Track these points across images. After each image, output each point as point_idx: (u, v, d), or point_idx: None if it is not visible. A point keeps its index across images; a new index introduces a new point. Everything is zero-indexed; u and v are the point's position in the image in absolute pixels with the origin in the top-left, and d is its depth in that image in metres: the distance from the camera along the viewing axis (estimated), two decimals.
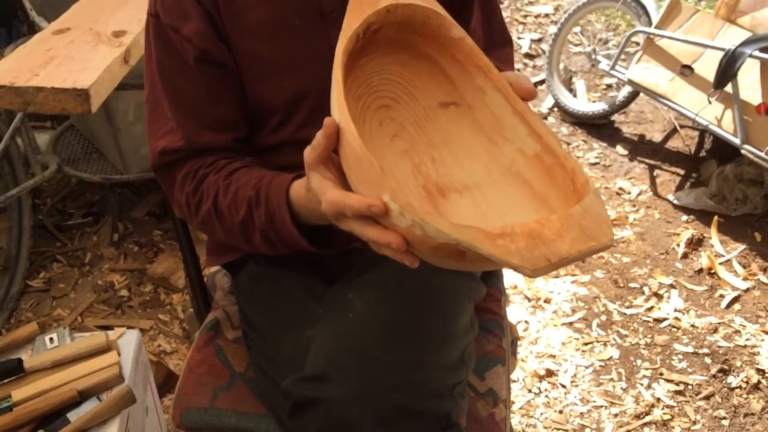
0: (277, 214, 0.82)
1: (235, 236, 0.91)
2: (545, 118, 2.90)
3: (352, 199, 0.62)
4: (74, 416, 1.10)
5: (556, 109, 2.92)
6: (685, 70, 2.33)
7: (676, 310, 1.96)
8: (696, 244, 2.19)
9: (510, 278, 2.02)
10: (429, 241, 0.60)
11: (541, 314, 1.96)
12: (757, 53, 2.04)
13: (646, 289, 2.03)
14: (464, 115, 0.79)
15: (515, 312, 1.96)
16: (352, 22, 0.71)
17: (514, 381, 1.74)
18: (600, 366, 1.80)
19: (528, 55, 3.35)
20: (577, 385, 1.75)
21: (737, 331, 1.88)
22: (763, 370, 1.76)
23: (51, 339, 1.24)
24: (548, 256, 0.58)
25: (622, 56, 2.58)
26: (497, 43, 1.07)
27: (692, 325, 1.91)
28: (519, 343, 1.83)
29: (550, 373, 1.78)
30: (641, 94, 2.59)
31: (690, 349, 1.84)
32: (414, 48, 0.78)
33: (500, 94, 0.76)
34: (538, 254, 0.58)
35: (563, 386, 1.75)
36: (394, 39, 0.77)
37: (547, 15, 3.69)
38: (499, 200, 0.75)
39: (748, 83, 2.12)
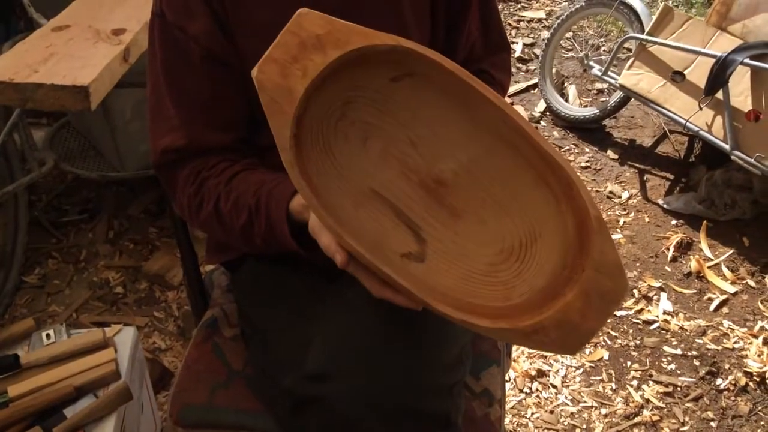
0: (277, 228, 0.82)
1: (236, 239, 0.91)
2: (537, 122, 2.92)
3: (382, 292, 0.70)
4: (71, 412, 1.10)
5: (548, 113, 2.94)
6: (677, 77, 2.35)
7: (665, 313, 1.98)
8: (685, 248, 2.21)
9: None
10: None
11: None
12: (747, 61, 2.07)
13: (635, 291, 2.06)
14: (421, 82, 0.71)
15: None
16: (282, 129, 0.65)
17: (506, 381, 1.76)
18: (590, 367, 1.83)
19: (521, 60, 3.37)
20: (567, 386, 1.77)
21: (725, 334, 1.91)
22: (750, 373, 1.78)
23: (47, 335, 1.24)
24: (581, 340, 0.63)
25: (614, 62, 2.60)
26: (495, 48, 1.07)
27: (681, 328, 1.93)
28: None
29: (541, 374, 1.80)
30: (632, 100, 2.61)
31: (679, 352, 1.86)
32: (343, 69, 0.69)
33: (453, 76, 0.69)
34: (572, 342, 0.62)
35: (554, 387, 1.77)
36: (320, 85, 0.69)
37: (540, 20, 3.71)
38: (492, 164, 0.72)
39: (738, 90, 2.15)
